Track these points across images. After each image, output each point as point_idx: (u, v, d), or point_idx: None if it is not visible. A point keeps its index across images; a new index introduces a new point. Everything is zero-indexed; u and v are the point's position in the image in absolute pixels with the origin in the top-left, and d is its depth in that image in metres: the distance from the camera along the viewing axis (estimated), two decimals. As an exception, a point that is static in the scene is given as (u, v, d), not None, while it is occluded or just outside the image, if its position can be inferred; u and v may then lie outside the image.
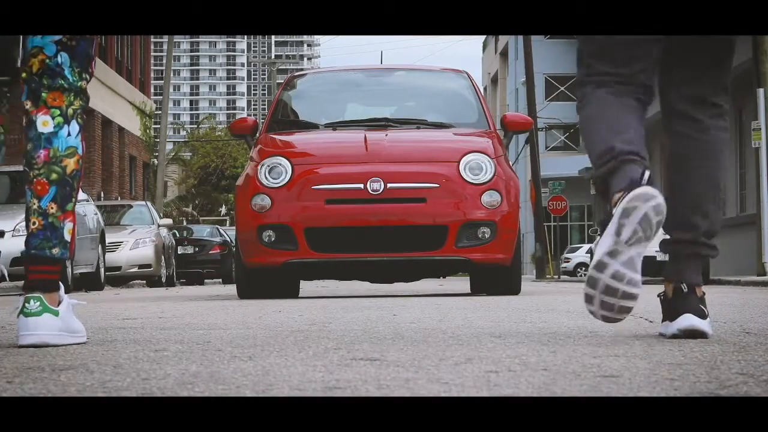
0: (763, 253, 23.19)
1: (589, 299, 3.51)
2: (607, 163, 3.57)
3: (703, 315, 3.73)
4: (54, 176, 3.64)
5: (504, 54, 73.50)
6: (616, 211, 3.42)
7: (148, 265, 23.93)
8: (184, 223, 54.88)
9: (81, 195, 17.70)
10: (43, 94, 3.69)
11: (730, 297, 9.49)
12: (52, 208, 3.62)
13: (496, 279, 10.42)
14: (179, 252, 31.15)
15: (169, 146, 68.77)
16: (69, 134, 3.66)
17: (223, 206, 73.43)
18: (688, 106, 3.86)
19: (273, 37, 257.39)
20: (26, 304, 3.53)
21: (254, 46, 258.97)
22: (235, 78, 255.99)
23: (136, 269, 23.89)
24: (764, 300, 8.48)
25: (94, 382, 2.54)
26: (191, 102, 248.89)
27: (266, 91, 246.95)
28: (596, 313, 3.53)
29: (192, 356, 3.19)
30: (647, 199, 3.40)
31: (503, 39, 72.53)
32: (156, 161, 44.61)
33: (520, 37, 53.99)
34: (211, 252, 33.00)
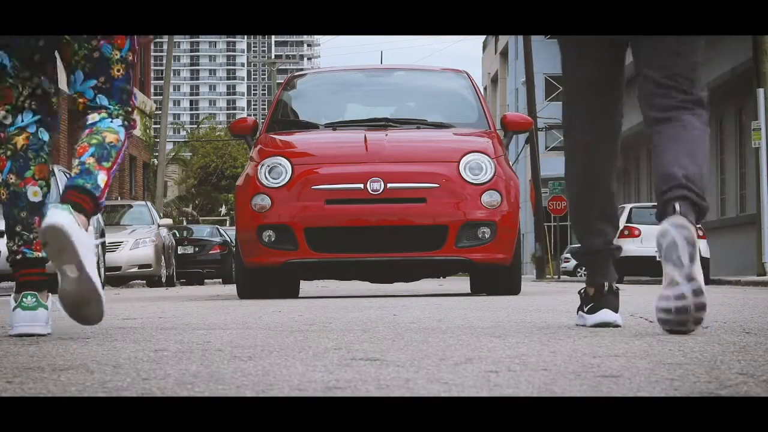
0: (763, 253, 23.19)
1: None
2: (585, 255, 4.40)
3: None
4: (94, 141, 4.09)
5: (504, 54, 73.51)
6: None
7: (148, 265, 23.92)
8: (184, 223, 54.90)
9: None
10: (91, 111, 4.25)
11: (730, 297, 9.48)
12: (89, 160, 4.04)
13: (496, 279, 10.42)
14: (179, 252, 31.16)
15: (169, 146, 68.76)
16: (112, 122, 4.17)
17: (223, 206, 73.45)
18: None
19: (273, 37, 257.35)
20: (55, 209, 3.92)
21: (254, 46, 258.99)
22: (235, 78, 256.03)
23: (136, 269, 23.89)
24: (764, 300, 8.48)
25: (94, 382, 2.54)
26: (191, 102, 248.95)
27: (266, 91, 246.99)
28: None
29: (192, 356, 3.19)
30: (601, 326, 4.31)
31: (503, 39, 72.53)
32: (156, 161, 44.62)
33: (520, 37, 54.00)
34: (211, 252, 33.01)
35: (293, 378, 2.57)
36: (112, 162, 4.08)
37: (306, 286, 17.73)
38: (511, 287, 10.37)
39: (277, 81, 69.89)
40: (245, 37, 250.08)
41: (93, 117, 4.20)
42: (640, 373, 2.59)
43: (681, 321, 3.89)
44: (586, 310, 4.39)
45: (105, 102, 4.23)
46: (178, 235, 32.23)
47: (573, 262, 46.89)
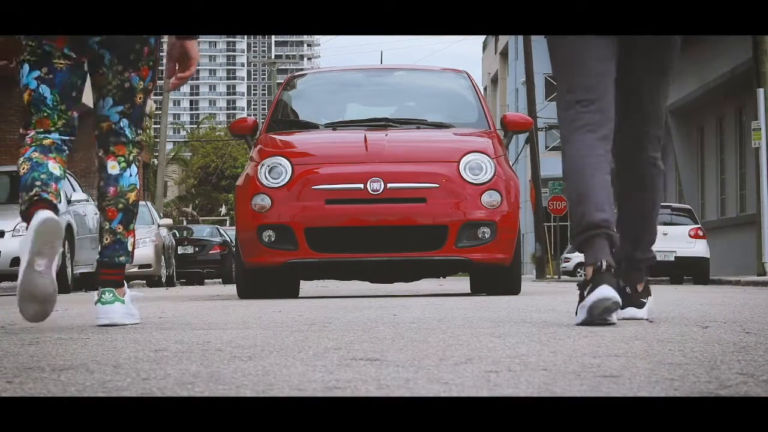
0: (763, 253, 23.20)
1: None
2: (581, 234, 4.53)
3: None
4: (120, 206, 5.01)
5: (504, 54, 73.50)
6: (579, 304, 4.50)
7: (148, 265, 23.92)
8: (184, 223, 54.91)
9: (81, 195, 17.84)
10: (111, 147, 4.97)
11: (730, 297, 9.49)
12: (119, 228, 5.04)
13: (496, 279, 10.42)
14: (179, 252, 31.16)
15: (169, 146, 68.76)
16: (130, 175, 5.01)
17: (223, 206, 73.46)
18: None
19: (273, 37, 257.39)
20: (102, 296, 5.02)
21: (254, 46, 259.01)
22: (235, 78, 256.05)
23: (136, 269, 23.89)
24: (764, 300, 8.49)
25: (94, 382, 2.54)
26: (191, 102, 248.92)
27: (266, 91, 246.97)
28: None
29: (192, 356, 3.19)
30: (601, 302, 4.37)
31: (503, 39, 72.53)
32: (156, 161, 44.55)
33: (520, 37, 53.99)
34: (211, 252, 33.01)
35: (293, 378, 2.57)
36: (134, 219, 5.12)
37: (306, 286, 17.73)
38: (511, 287, 10.37)
39: (277, 81, 69.89)
40: (245, 37, 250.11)
41: (113, 167, 4.98)
42: (640, 373, 2.59)
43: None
44: (585, 293, 4.43)
45: (125, 125, 4.95)
46: (178, 235, 32.23)
47: (573, 262, 46.88)
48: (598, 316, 4.37)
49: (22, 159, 4.84)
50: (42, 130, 4.86)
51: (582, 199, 4.52)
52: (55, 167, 4.81)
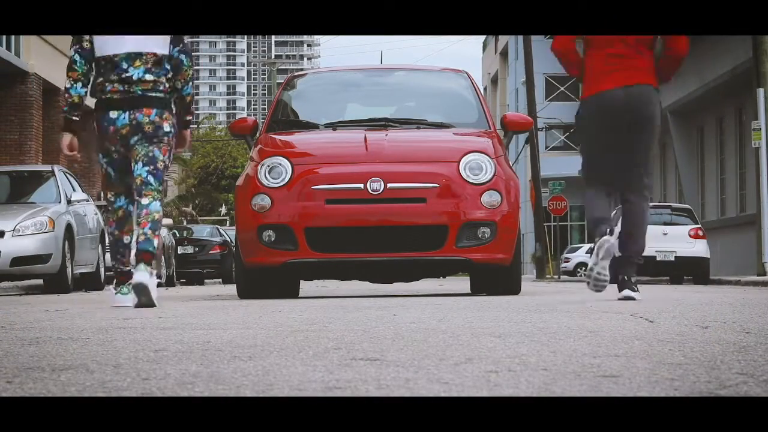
0: (763, 253, 23.19)
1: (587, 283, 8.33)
2: (592, 226, 8.19)
3: (634, 290, 8.10)
4: (150, 218, 7.77)
5: (504, 54, 73.51)
6: (595, 245, 8.07)
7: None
8: (184, 223, 54.90)
9: (81, 195, 17.87)
10: (143, 192, 7.82)
11: (730, 297, 9.49)
12: (149, 232, 7.73)
13: (496, 279, 10.42)
14: (179, 252, 31.16)
15: (169, 146, 68.44)
16: (158, 204, 7.84)
17: (223, 206, 73.44)
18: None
19: (273, 37, 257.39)
20: (138, 266, 7.59)
21: (254, 46, 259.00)
22: (235, 78, 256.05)
23: (136, 269, 23.85)
24: (764, 300, 8.49)
25: (94, 382, 2.54)
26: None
27: (266, 91, 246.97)
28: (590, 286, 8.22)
29: (192, 356, 3.19)
30: (606, 242, 7.97)
31: (503, 39, 72.54)
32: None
33: (520, 37, 53.99)
34: (211, 252, 33.00)
35: (293, 378, 2.57)
36: (159, 230, 7.82)
37: (306, 286, 17.73)
38: (511, 287, 10.37)
39: (277, 81, 69.85)
40: (245, 37, 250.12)
41: (146, 200, 7.78)
42: (640, 373, 2.59)
43: (627, 296, 8.04)
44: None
45: (152, 180, 7.81)
46: (178, 235, 32.24)
47: (573, 262, 46.87)
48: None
49: (108, 230, 8.45)
50: (113, 193, 8.06)
51: (594, 209, 8.30)
52: (127, 239, 8.10)
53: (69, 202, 17.38)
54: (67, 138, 8.01)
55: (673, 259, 25.26)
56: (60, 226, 16.54)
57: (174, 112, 7.88)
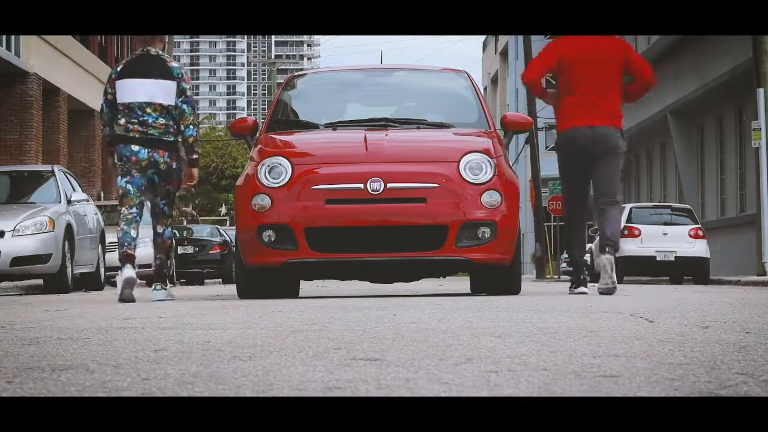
0: (763, 253, 23.19)
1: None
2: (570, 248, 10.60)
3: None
4: (164, 246, 10.35)
5: (504, 54, 73.50)
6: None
7: (148, 265, 23.88)
8: (184, 223, 54.89)
9: (81, 195, 17.91)
10: (160, 219, 10.17)
11: (730, 297, 9.49)
12: (163, 257, 10.33)
13: (496, 279, 10.42)
14: (179, 252, 31.15)
15: (169, 146, 68.43)
16: (171, 232, 10.30)
17: (223, 206, 73.45)
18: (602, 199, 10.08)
19: (273, 37, 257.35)
20: (157, 292, 10.02)
21: (254, 46, 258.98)
22: (235, 78, 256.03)
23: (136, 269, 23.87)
24: (764, 300, 8.49)
25: (94, 382, 2.54)
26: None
27: (266, 91, 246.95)
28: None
29: (192, 356, 3.19)
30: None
31: (503, 39, 72.53)
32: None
33: (520, 37, 53.99)
34: (211, 252, 33.00)
35: (293, 378, 2.57)
36: (171, 253, 9.93)
37: (306, 286, 17.73)
38: (511, 287, 10.37)
39: (277, 81, 69.84)
40: (245, 37, 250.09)
41: (160, 228, 10.25)
42: (640, 373, 2.59)
43: (608, 292, 9.74)
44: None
45: (166, 210, 10.20)
46: (178, 235, 32.23)
47: (573, 262, 46.74)
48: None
49: (118, 230, 9.86)
50: (128, 206, 9.83)
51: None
52: (133, 233, 9.82)
53: (69, 202, 17.39)
54: (109, 160, 10.40)
55: (673, 259, 25.26)
56: (60, 226, 16.55)
57: (180, 152, 10.07)
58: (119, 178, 9.87)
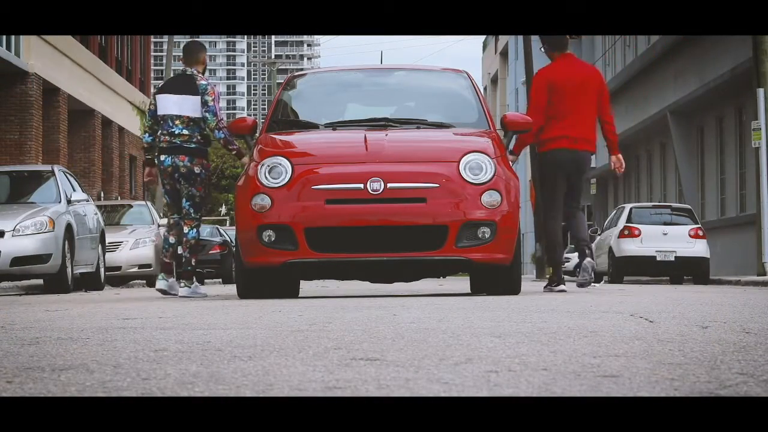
0: (763, 253, 23.19)
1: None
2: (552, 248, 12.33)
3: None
4: (188, 245, 11.27)
5: (504, 54, 73.50)
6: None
7: (148, 265, 23.94)
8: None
9: (81, 195, 17.92)
10: (186, 220, 11.30)
11: (730, 297, 9.49)
12: (188, 255, 11.35)
13: (496, 279, 10.42)
14: (178, 252, 31.09)
15: (169, 146, 68.37)
16: (196, 233, 11.32)
17: (223, 206, 73.45)
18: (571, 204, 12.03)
19: (273, 37, 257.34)
20: (181, 289, 11.23)
21: (254, 46, 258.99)
22: (235, 78, 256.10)
23: (136, 269, 23.90)
24: (764, 300, 8.49)
25: (94, 382, 2.54)
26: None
27: (266, 91, 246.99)
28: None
29: (192, 356, 3.19)
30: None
31: (503, 39, 72.52)
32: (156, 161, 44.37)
33: (520, 37, 53.98)
34: (211, 252, 33.00)
35: (293, 378, 2.57)
36: (196, 252, 11.24)
37: (306, 286, 17.73)
38: (511, 287, 10.37)
39: (277, 81, 69.82)
40: (245, 37, 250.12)
41: (186, 228, 11.24)
42: (640, 373, 2.59)
43: (584, 285, 11.80)
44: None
45: (192, 212, 11.29)
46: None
47: (573, 262, 46.83)
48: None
49: (165, 235, 11.42)
50: (171, 214, 11.38)
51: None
52: (171, 239, 11.28)
53: (69, 202, 17.39)
54: (146, 170, 11.70)
55: (673, 259, 25.26)
56: (60, 226, 16.55)
57: (204, 159, 11.47)
58: (163, 190, 11.63)
